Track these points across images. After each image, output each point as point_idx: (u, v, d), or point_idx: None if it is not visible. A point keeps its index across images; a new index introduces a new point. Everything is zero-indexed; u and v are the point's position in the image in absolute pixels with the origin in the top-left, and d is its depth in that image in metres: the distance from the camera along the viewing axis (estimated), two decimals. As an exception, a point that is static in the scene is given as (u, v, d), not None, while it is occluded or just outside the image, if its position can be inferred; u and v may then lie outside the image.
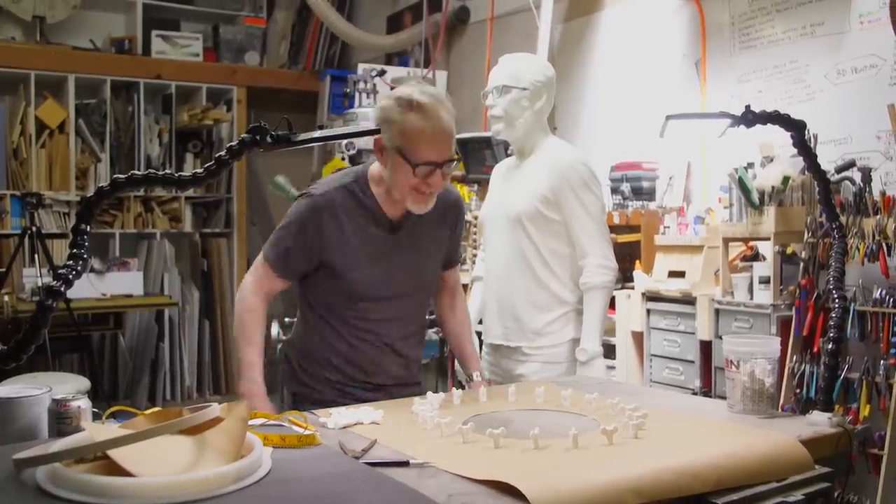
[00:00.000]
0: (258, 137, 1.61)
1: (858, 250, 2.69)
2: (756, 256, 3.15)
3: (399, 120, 2.00)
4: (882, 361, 2.61)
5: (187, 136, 6.15)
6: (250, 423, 1.54)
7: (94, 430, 1.38)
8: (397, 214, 2.17)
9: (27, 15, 5.66)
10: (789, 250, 2.95)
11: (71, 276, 1.49)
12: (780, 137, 2.25)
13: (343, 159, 4.41)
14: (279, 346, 4.90)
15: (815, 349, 2.79)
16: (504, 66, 2.82)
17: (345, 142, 4.19)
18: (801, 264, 2.88)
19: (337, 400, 2.13)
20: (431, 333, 3.79)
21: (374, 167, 2.17)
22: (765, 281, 2.95)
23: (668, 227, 3.55)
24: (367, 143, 3.83)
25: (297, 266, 2.15)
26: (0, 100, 5.47)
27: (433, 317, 2.52)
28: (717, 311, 3.07)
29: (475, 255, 3.84)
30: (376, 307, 2.19)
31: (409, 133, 1.99)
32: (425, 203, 2.08)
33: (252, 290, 2.14)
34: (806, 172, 2.89)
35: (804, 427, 1.74)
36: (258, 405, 1.99)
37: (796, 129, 1.94)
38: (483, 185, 4.32)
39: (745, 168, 3.09)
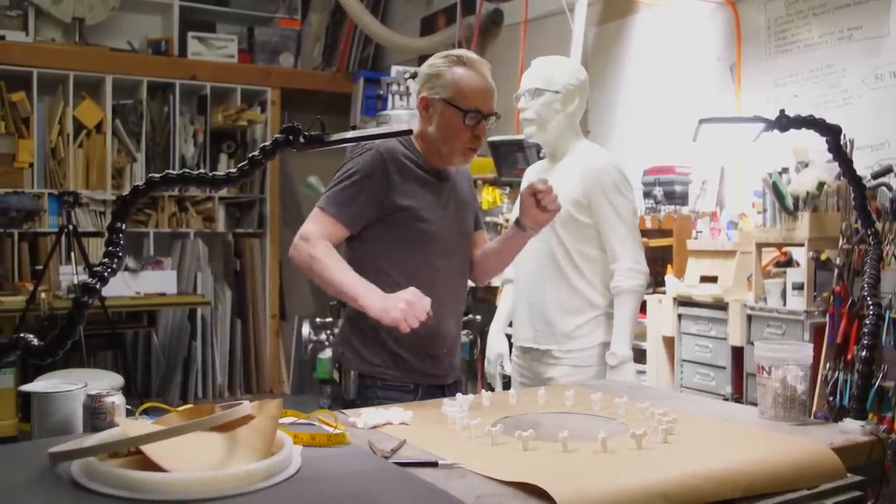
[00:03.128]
0: (291, 138, 1.61)
1: (894, 257, 2.66)
2: (790, 262, 3.12)
3: (448, 73, 2.15)
4: (918, 370, 2.57)
5: (222, 136, 6.21)
6: (281, 421, 1.56)
7: (128, 426, 1.40)
8: (440, 170, 2.26)
9: (67, 16, 5.75)
10: (823, 256, 2.92)
11: (107, 274, 1.51)
12: (815, 142, 2.23)
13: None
14: (310, 345, 4.93)
15: (849, 357, 2.75)
16: (537, 68, 2.82)
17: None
18: (836, 271, 2.85)
19: (402, 376, 2.20)
20: (462, 336, 3.79)
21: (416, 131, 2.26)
22: (798, 287, 2.91)
23: (701, 231, 3.52)
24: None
25: (363, 213, 2.17)
26: (39, 100, 5.56)
27: (466, 318, 2.51)
28: (749, 317, 3.05)
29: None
30: (440, 253, 2.23)
31: (459, 83, 2.14)
32: (470, 157, 2.23)
33: (318, 234, 2.14)
34: (841, 178, 2.85)
35: (836, 434, 1.72)
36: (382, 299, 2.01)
37: (832, 133, 1.91)
38: (515, 187, 4.31)
39: (780, 173, 3.06)
